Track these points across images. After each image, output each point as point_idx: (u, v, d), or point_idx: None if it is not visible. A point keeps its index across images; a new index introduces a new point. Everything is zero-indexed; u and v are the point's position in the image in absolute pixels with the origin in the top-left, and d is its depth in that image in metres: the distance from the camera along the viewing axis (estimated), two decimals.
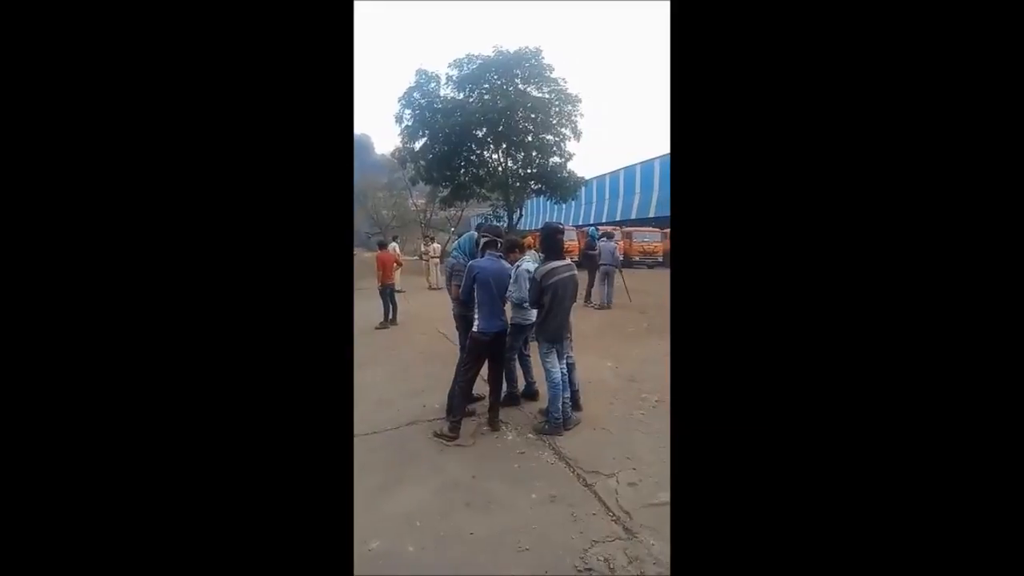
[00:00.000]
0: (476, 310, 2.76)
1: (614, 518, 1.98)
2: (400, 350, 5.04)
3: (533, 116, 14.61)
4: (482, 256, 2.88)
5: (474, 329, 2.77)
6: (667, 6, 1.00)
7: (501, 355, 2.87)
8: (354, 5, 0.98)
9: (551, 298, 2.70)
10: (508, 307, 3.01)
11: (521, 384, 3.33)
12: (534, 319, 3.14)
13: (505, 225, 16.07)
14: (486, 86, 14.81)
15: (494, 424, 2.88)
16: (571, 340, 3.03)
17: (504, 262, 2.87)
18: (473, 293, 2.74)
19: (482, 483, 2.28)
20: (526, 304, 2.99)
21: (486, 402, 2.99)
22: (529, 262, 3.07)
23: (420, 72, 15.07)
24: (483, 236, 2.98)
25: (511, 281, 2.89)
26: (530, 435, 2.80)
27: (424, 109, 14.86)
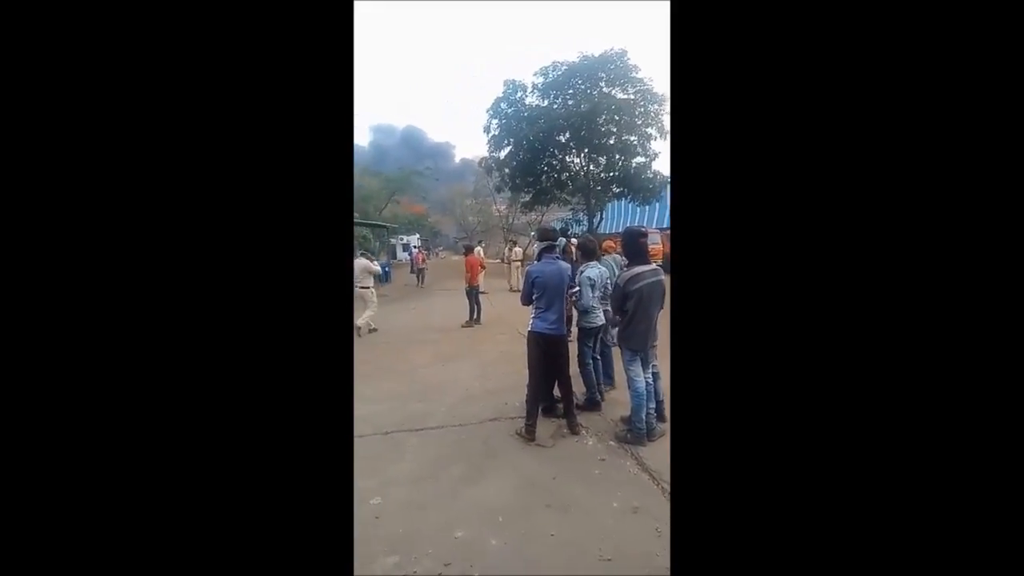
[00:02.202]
0: (533, 311, 2.83)
1: None
2: (483, 349, 5.25)
3: (617, 118, 14.25)
4: (538, 260, 2.92)
5: (529, 328, 2.85)
6: (667, 6, 0.98)
7: (562, 359, 2.87)
8: (354, 5, 0.97)
9: (635, 304, 2.62)
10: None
11: (586, 391, 3.27)
12: (599, 323, 3.12)
13: (585, 228, 15.86)
14: (570, 91, 14.80)
15: (573, 428, 2.87)
16: (656, 349, 2.91)
17: (562, 263, 2.90)
18: (532, 296, 2.82)
19: (562, 486, 2.29)
20: (590, 309, 2.99)
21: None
22: (593, 268, 3.06)
23: (507, 83, 15.54)
24: (539, 241, 3.03)
25: (576, 287, 2.94)
26: (611, 442, 2.74)
27: (510, 118, 15.28)
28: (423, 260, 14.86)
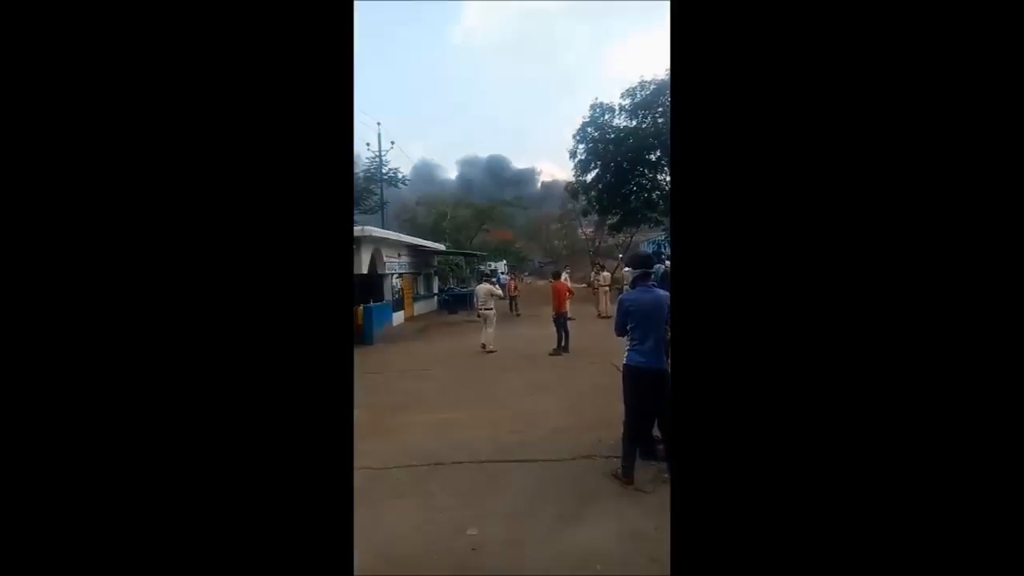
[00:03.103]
0: (628, 342, 2.69)
1: None
2: (573, 379, 5.15)
3: None
4: (633, 287, 2.77)
5: (624, 360, 2.70)
6: (667, 6, 0.99)
7: (661, 395, 2.65)
8: (354, 5, 0.96)
9: None
10: None
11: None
12: None
13: None
14: (660, 109, 14.40)
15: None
16: None
17: (659, 291, 2.71)
18: (626, 326, 2.68)
19: (666, 537, 2.10)
20: None
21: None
22: None
23: (594, 106, 15.66)
24: (633, 268, 2.87)
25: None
26: None
27: (597, 141, 15.30)
28: (515, 287, 13.55)
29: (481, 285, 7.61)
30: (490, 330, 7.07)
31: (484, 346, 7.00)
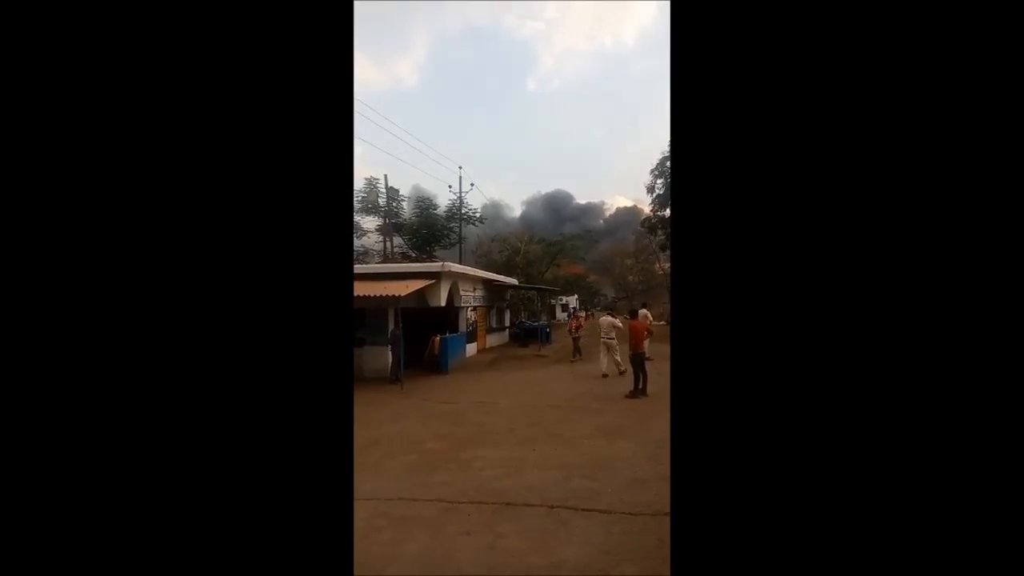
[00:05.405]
0: None
1: None
2: (652, 425, 4.81)
3: None
4: None
5: None
6: (667, 6, 1.03)
7: None
8: (354, 5, 0.96)
9: None
10: None
11: None
12: None
13: None
14: None
15: None
16: None
17: None
18: None
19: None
20: None
21: None
22: None
23: None
24: None
25: None
26: None
27: None
28: (575, 327, 10.70)
29: (604, 317, 8.41)
30: (617, 357, 7.74)
31: (606, 374, 7.66)
